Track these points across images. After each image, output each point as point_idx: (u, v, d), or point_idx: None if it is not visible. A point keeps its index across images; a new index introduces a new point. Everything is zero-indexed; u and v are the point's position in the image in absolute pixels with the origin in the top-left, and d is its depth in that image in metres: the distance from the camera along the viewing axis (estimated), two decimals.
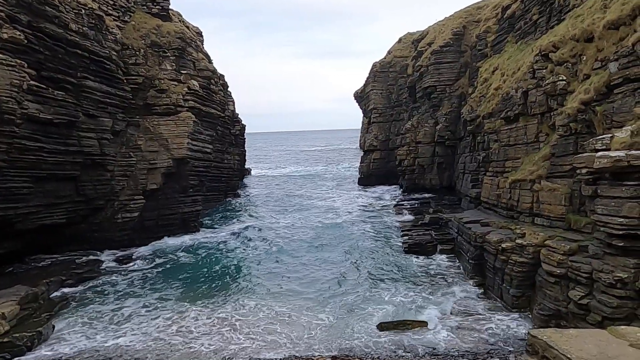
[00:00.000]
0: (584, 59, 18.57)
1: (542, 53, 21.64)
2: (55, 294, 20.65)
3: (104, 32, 27.99)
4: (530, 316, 16.95)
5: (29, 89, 20.72)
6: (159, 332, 17.15)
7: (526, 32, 28.78)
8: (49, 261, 24.62)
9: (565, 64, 19.82)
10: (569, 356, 5.26)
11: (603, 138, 14.27)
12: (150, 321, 18.20)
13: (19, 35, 20.48)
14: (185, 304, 20.05)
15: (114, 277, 23.75)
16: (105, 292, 21.66)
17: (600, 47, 17.63)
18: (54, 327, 17.12)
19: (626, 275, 12.77)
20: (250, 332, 16.88)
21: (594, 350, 5.39)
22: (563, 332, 6.12)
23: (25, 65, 20.63)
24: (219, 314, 18.72)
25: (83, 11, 25.48)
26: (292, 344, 15.87)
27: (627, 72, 15.24)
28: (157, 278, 23.83)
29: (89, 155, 25.80)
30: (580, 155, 15.55)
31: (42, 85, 21.75)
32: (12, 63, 19.77)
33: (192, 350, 15.57)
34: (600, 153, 13.69)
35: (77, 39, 24.28)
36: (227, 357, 14.95)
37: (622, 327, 6.32)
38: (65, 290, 21.41)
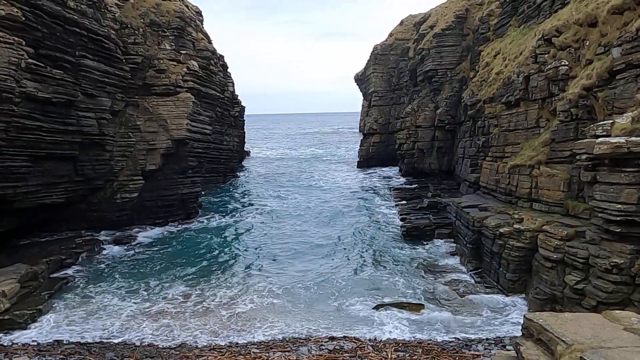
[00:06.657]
0: (587, 43, 18.41)
1: (545, 37, 21.44)
2: (54, 272, 20.78)
3: (103, 10, 27.61)
4: (526, 300, 17.13)
5: (27, 67, 20.49)
6: (158, 310, 17.31)
7: (529, 16, 28.43)
8: (48, 240, 24.71)
9: (568, 49, 19.65)
10: (563, 339, 5.32)
11: (604, 124, 14.23)
12: (148, 300, 18.32)
13: (17, 12, 20.18)
14: (186, 281, 20.25)
15: (112, 257, 23.91)
16: (104, 271, 21.82)
17: (604, 32, 17.46)
18: (53, 305, 17.27)
19: (622, 261, 12.89)
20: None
21: (588, 333, 5.45)
22: (558, 315, 6.17)
23: (23, 43, 20.36)
24: (207, 291, 18.92)
25: None
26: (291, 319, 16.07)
27: (630, 58, 15.12)
28: (156, 259, 23.90)
29: (88, 135, 25.67)
30: (580, 141, 15.54)
31: (40, 64, 21.50)
32: (10, 40, 19.51)
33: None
34: (600, 139, 13.67)
35: (75, 17, 23.96)
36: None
37: (617, 311, 6.38)
38: (65, 269, 21.54)
